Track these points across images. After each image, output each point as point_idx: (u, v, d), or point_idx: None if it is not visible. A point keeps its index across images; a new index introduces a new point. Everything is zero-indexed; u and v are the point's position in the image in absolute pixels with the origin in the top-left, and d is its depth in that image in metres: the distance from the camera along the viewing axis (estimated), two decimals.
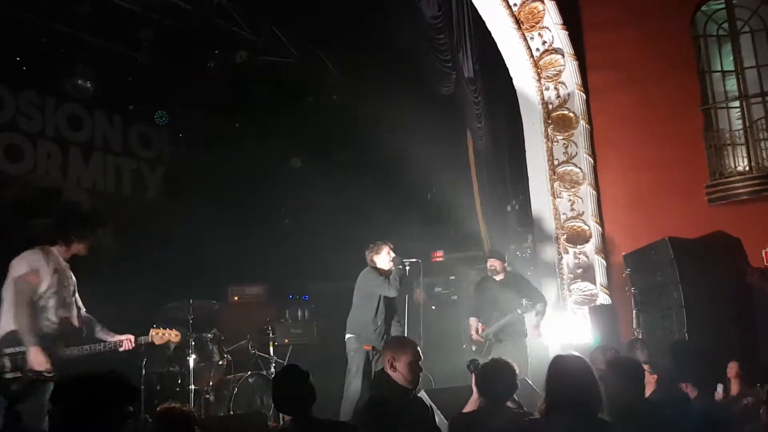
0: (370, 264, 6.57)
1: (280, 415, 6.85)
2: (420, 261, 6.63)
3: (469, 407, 3.93)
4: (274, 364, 7.76)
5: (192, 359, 7.01)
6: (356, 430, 3.46)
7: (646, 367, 4.26)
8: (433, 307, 10.20)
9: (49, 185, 8.95)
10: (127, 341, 4.82)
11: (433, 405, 4.53)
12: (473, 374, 4.01)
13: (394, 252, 6.54)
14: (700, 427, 3.59)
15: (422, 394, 4.84)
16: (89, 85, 9.20)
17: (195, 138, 10.97)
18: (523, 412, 3.80)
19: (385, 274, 6.45)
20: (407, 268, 6.47)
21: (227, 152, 10.87)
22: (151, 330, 4.94)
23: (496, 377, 3.76)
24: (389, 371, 4.05)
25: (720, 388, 4.92)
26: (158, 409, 3.48)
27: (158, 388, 7.16)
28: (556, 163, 7.94)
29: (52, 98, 9.25)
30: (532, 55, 7.92)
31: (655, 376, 4.44)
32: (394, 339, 4.25)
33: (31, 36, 8.42)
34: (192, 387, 6.93)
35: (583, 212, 7.83)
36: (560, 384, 3.10)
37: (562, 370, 3.16)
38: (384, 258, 6.52)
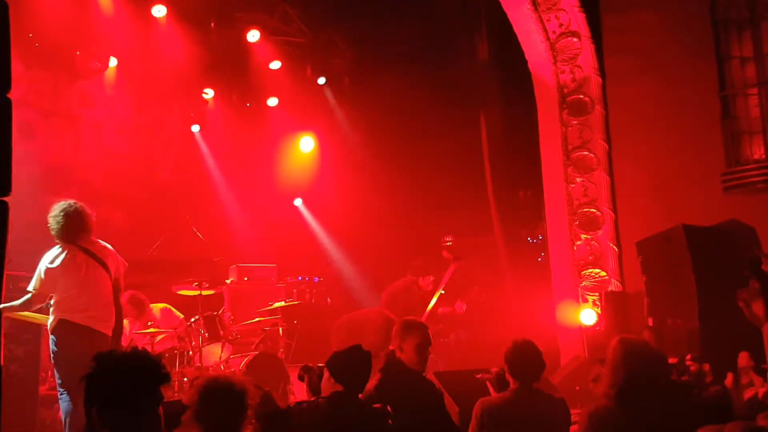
0: None
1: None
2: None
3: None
4: (282, 346, 7.80)
5: (201, 338, 7.04)
6: (388, 413, 3.55)
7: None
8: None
9: (61, 163, 8.95)
10: None
11: (442, 388, 4.52)
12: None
13: None
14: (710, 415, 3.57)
15: (430, 377, 4.83)
16: (101, 63, 9.19)
17: (207, 117, 10.94)
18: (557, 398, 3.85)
19: None
20: None
21: (238, 132, 10.87)
22: None
23: (527, 358, 3.76)
24: (397, 352, 4.05)
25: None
26: (197, 380, 3.16)
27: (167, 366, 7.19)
28: (570, 148, 7.87)
29: (64, 75, 9.23)
30: (548, 38, 7.82)
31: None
32: (403, 322, 4.23)
33: (44, 12, 8.40)
34: (200, 365, 6.97)
35: (597, 198, 7.77)
36: (637, 366, 3.24)
37: (637, 352, 3.32)
38: None
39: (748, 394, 4.75)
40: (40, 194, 7.89)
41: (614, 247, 7.66)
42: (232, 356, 7.46)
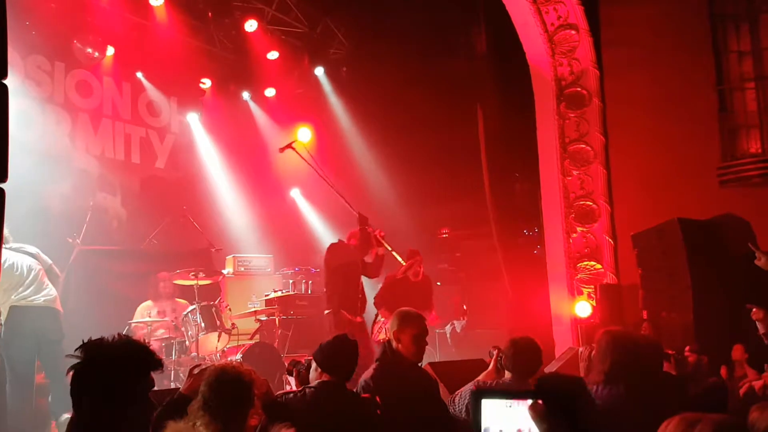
0: None
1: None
2: None
3: (485, 378, 3.99)
4: (279, 336, 7.82)
5: (197, 327, 7.06)
6: (377, 404, 3.56)
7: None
8: (438, 283, 10.22)
9: (58, 151, 8.92)
10: None
11: (437, 378, 4.54)
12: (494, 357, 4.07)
13: None
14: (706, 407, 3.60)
15: (426, 367, 4.85)
16: (98, 51, 9.16)
17: (204, 107, 10.92)
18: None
19: None
20: None
21: (235, 122, 10.85)
22: None
23: (524, 354, 3.82)
24: (394, 342, 4.06)
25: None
26: (198, 368, 3.21)
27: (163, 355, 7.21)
28: (567, 140, 7.87)
29: (60, 64, 9.19)
30: (546, 30, 7.81)
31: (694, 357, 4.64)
32: (399, 312, 4.23)
33: (41, 0, 8.36)
34: (196, 354, 6.99)
35: (593, 191, 7.78)
36: (622, 355, 3.42)
37: (622, 342, 3.50)
38: None
39: (745, 387, 4.78)
40: (38, 183, 7.90)
41: (610, 239, 7.68)
42: (228, 346, 7.48)
